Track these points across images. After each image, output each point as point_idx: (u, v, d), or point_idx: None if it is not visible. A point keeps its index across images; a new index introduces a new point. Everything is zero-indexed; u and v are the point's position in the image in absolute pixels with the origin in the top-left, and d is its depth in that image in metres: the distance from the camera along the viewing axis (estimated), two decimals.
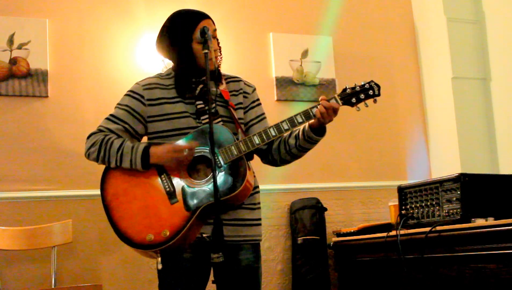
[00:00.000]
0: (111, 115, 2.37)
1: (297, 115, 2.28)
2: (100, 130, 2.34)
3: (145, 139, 2.42)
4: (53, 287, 3.23)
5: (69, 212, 3.47)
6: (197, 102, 2.32)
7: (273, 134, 2.27)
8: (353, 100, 2.32)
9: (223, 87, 2.40)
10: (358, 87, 2.33)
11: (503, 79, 4.22)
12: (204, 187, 2.21)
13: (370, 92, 2.33)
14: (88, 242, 3.51)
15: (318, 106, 2.26)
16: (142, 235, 2.19)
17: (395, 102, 4.41)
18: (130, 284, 3.55)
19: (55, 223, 3.34)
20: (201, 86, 2.33)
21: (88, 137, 2.35)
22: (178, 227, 2.17)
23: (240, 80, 2.48)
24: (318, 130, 2.31)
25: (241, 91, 2.44)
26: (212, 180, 2.16)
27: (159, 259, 2.24)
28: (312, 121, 2.29)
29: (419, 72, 4.53)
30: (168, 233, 2.16)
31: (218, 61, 2.37)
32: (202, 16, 2.35)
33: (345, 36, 4.36)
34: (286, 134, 2.34)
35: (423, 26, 4.51)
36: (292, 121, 2.27)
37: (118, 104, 2.39)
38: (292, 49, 4.17)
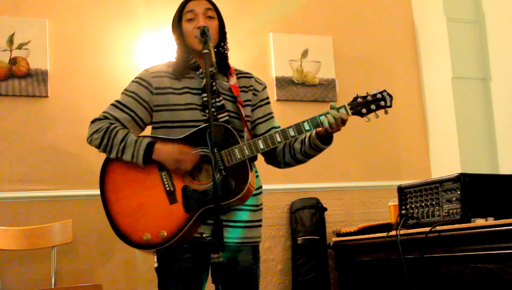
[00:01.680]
0: (117, 101, 2.31)
1: (304, 122, 2.20)
2: (105, 117, 2.29)
3: (149, 128, 2.37)
4: (53, 287, 3.24)
5: (69, 212, 3.47)
6: (203, 95, 2.25)
7: (279, 140, 2.20)
8: (364, 110, 2.23)
9: (233, 81, 2.35)
10: (369, 97, 2.24)
11: (503, 79, 4.22)
12: (205, 189, 2.15)
13: (382, 102, 2.25)
14: (88, 242, 3.51)
15: (327, 115, 2.19)
16: (139, 234, 2.15)
17: (395, 102, 4.32)
18: (130, 284, 3.55)
19: (55, 223, 3.34)
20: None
21: (92, 122, 2.30)
22: (176, 229, 2.13)
23: (252, 77, 2.44)
24: (325, 138, 2.25)
25: (251, 88, 2.40)
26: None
27: (155, 257, 2.22)
28: (319, 129, 2.22)
29: (419, 72, 4.53)
30: (165, 234, 2.13)
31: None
32: None
33: (345, 36, 4.36)
34: (291, 140, 2.28)
35: (423, 26, 4.51)
36: (299, 128, 2.20)
37: (125, 90, 2.33)
38: (292, 49, 4.17)
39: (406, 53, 4.53)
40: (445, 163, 4.27)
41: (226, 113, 2.26)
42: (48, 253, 3.31)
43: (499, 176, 3.56)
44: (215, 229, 1.92)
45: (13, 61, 3.54)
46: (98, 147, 2.26)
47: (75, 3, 3.75)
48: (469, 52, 4.31)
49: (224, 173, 2.15)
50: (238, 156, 2.16)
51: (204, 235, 2.18)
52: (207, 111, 2.22)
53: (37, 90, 3.55)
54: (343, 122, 2.21)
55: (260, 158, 2.44)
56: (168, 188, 2.19)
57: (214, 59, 2.14)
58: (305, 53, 4.19)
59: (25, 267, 3.38)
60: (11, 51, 3.54)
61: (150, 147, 2.17)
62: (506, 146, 4.17)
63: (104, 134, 2.23)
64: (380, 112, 2.27)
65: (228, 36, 2.40)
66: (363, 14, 4.47)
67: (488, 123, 4.28)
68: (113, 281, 3.51)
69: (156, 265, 2.21)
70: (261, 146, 2.19)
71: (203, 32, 2.14)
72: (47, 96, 3.58)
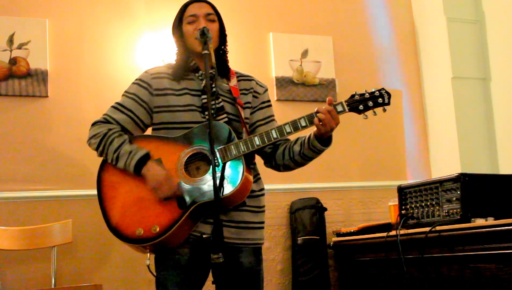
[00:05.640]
0: (117, 103, 2.33)
1: (301, 118, 2.20)
2: (105, 119, 2.30)
3: (149, 130, 2.38)
4: (53, 287, 3.23)
5: (69, 212, 3.47)
6: (203, 96, 2.27)
7: (275, 136, 2.20)
8: (361, 107, 2.23)
9: (233, 83, 2.35)
10: (367, 94, 2.24)
11: (503, 79, 4.22)
12: (199, 185, 2.16)
13: (380, 100, 2.24)
14: (88, 242, 3.51)
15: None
16: (132, 229, 2.15)
17: (395, 102, 4.40)
18: (130, 284, 3.55)
19: (55, 223, 3.34)
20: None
21: (93, 124, 2.32)
22: (168, 224, 2.13)
23: (252, 80, 2.44)
24: (323, 139, 2.24)
25: (252, 90, 2.40)
26: (208, 179, 2.15)
27: (148, 255, 2.21)
28: (316, 129, 2.21)
29: (419, 72, 4.53)
30: (158, 229, 2.13)
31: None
32: (194, 0, 2.33)
33: (345, 36, 4.36)
34: (288, 137, 2.28)
35: (423, 26, 4.51)
36: (295, 124, 2.20)
37: (126, 92, 2.35)
38: (292, 49, 4.17)
39: (406, 53, 4.53)
40: (445, 163, 4.27)
41: (225, 115, 2.27)
42: (48, 253, 3.31)
43: (499, 176, 3.56)
44: (215, 228, 1.92)
45: (13, 61, 3.54)
46: (95, 150, 2.30)
47: (75, 3, 3.75)
48: (469, 52, 4.31)
49: (219, 170, 2.15)
50: (234, 152, 2.17)
51: (204, 236, 2.17)
52: (206, 112, 2.23)
53: (37, 90, 3.55)
54: (334, 117, 2.18)
55: (260, 160, 2.45)
56: None
57: (214, 60, 2.15)
58: (305, 53, 4.19)
59: (25, 267, 3.38)
60: (11, 51, 3.54)
61: (141, 162, 2.18)
62: (506, 146, 4.17)
63: (100, 141, 2.26)
64: (378, 109, 2.26)
65: (228, 36, 2.40)
66: (363, 14, 4.47)
67: (488, 123, 4.28)
68: (113, 281, 3.51)
69: (148, 262, 2.21)
70: (257, 142, 2.20)
71: (203, 33, 2.13)
72: (47, 96, 3.58)
